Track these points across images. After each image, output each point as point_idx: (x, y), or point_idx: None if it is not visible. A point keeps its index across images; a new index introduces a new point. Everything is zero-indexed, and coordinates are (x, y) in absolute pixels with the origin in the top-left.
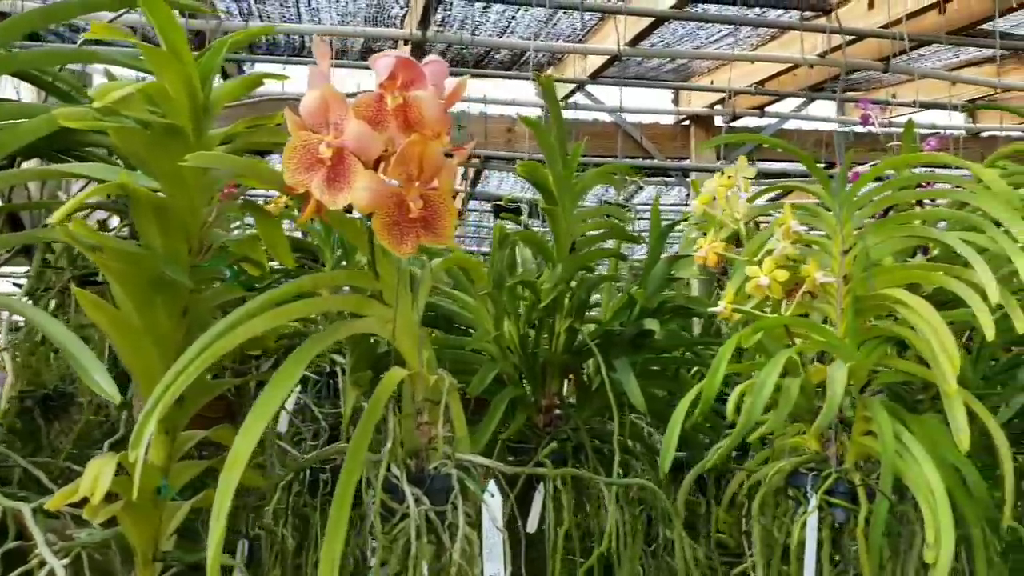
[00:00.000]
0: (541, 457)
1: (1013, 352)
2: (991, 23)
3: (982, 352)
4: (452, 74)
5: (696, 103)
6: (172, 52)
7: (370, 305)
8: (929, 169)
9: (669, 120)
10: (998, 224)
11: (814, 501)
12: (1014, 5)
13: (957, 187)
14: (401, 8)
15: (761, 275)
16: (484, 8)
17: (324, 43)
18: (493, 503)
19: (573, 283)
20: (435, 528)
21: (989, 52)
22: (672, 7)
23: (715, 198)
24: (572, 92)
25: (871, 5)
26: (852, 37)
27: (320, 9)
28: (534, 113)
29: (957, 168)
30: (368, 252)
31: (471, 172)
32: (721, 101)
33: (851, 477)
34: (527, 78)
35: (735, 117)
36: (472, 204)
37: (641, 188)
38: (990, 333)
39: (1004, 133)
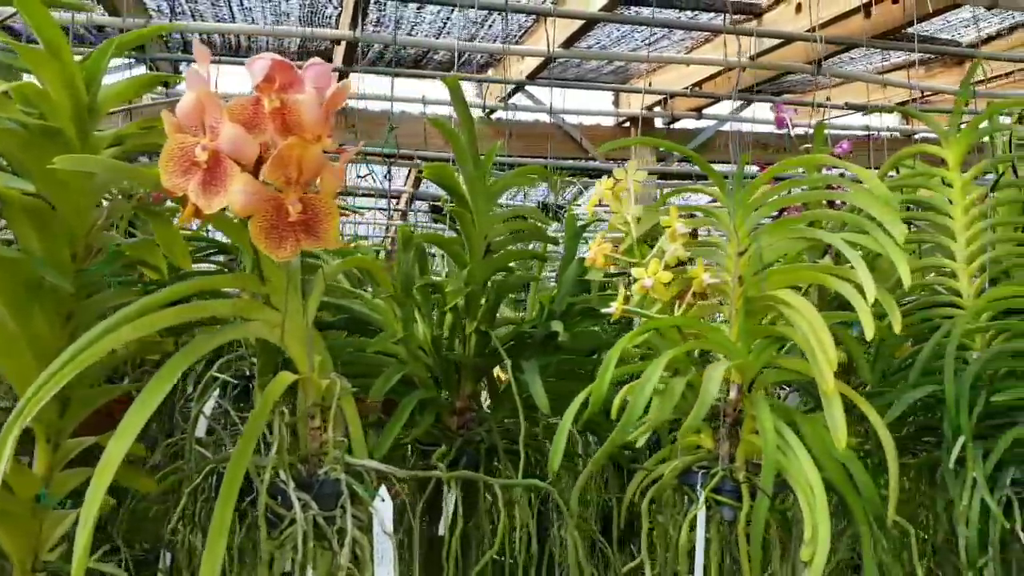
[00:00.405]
0: (435, 460)
1: (912, 349)
2: (914, 27)
3: (881, 350)
4: (390, 75)
5: (636, 105)
6: (50, 51)
7: (257, 309)
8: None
9: (610, 122)
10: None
11: (701, 499)
12: (931, 11)
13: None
14: (335, 8)
15: (646, 276)
16: (418, 8)
17: (203, 46)
18: (383, 507)
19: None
20: (324, 533)
21: (915, 56)
22: (602, 9)
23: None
24: (511, 93)
25: (798, 9)
26: (778, 41)
27: (253, 8)
28: (474, 113)
29: (836, 169)
30: (252, 255)
31: (413, 173)
32: (659, 103)
33: (736, 475)
34: (466, 78)
35: (674, 119)
36: (415, 204)
37: (584, 190)
38: (870, 332)
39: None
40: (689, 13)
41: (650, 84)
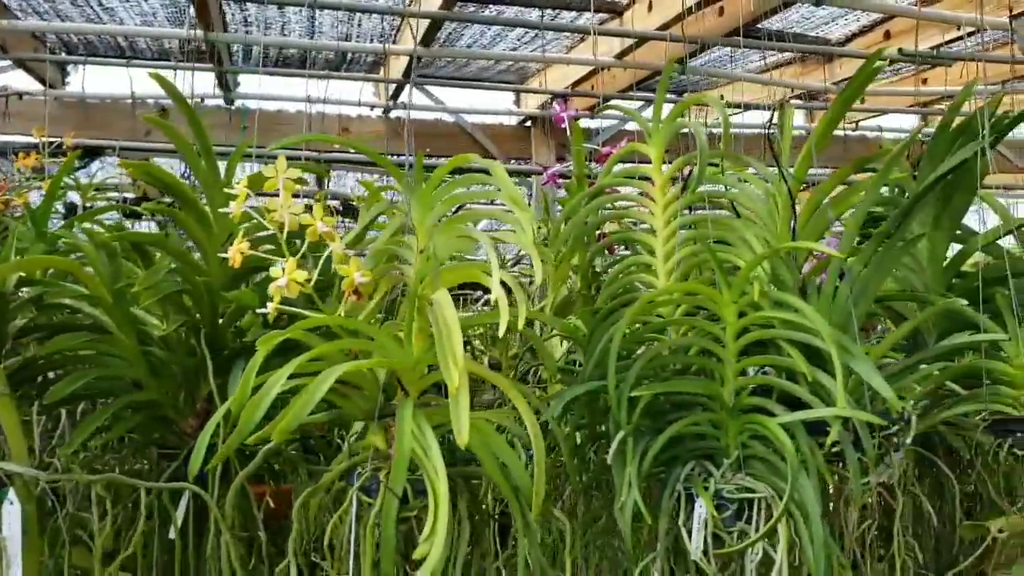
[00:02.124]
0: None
1: None
2: (764, 22)
3: (590, 346)
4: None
5: (534, 104)
6: None
7: None
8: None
9: (513, 121)
10: None
11: (352, 498)
12: (778, 6)
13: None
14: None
15: (281, 276)
16: (279, 8)
17: None
18: (11, 510)
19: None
20: None
21: (792, 54)
22: (440, 7)
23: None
24: (395, 92)
25: (650, 8)
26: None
27: (115, 9)
28: (374, 113)
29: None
30: None
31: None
32: (549, 102)
33: (380, 473)
34: (358, 78)
35: (575, 118)
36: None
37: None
38: (504, 325)
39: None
40: (551, 12)
41: (541, 84)
